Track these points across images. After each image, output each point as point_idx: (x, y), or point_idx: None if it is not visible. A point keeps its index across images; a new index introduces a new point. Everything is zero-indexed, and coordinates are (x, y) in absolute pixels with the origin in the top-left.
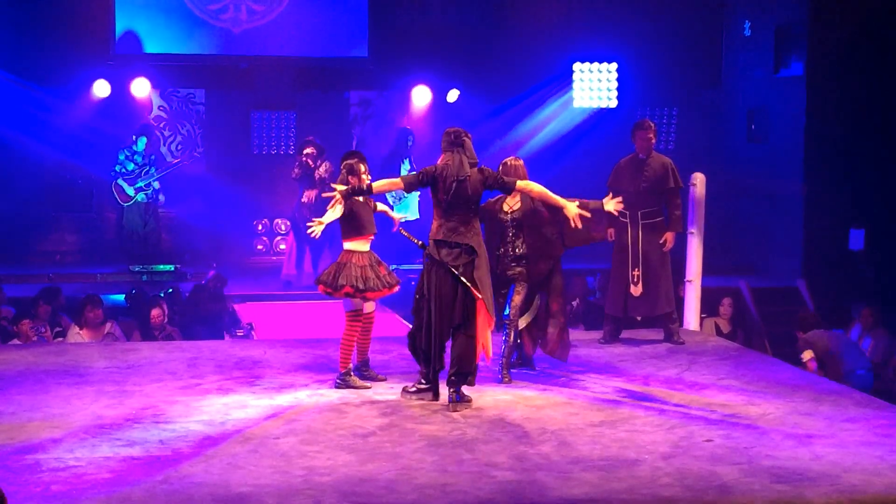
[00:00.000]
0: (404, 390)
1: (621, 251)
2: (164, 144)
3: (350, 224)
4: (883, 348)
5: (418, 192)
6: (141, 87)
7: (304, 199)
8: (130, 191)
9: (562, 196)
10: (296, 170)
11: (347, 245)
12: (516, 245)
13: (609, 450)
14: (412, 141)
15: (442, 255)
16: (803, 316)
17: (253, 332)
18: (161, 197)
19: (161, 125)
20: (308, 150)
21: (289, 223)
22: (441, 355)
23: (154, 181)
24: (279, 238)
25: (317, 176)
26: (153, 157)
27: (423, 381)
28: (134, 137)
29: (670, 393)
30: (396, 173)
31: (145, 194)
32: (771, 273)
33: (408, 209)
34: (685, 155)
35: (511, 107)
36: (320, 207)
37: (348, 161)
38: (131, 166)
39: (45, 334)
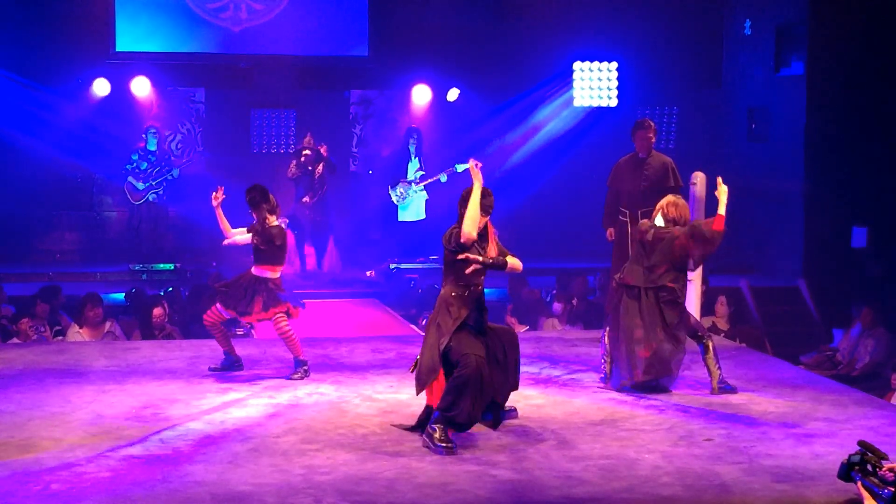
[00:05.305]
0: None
1: (621, 250)
2: (165, 143)
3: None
4: (883, 347)
5: (426, 195)
6: (141, 86)
7: (306, 199)
8: (141, 186)
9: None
10: (293, 169)
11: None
12: None
13: (609, 449)
14: (415, 141)
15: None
16: None
17: (253, 332)
18: (151, 195)
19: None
20: (307, 153)
21: (287, 221)
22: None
23: (164, 180)
24: None
25: (316, 175)
26: (167, 156)
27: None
28: (144, 136)
29: (670, 392)
30: (400, 174)
31: (156, 193)
32: (771, 272)
33: (407, 209)
34: (685, 154)
35: (511, 105)
36: (319, 206)
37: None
38: (144, 165)
39: (45, 333)
